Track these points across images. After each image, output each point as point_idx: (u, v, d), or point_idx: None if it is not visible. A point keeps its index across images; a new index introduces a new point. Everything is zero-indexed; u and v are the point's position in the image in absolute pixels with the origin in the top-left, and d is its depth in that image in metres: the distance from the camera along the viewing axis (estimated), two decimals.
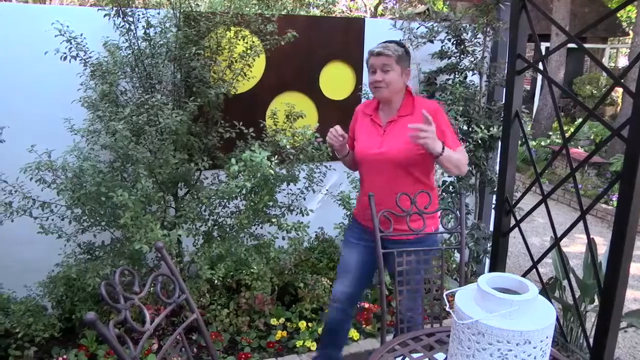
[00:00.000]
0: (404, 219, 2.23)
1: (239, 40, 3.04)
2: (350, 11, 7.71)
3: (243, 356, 2.93)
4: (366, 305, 3.36)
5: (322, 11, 5.56)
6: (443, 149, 2.08)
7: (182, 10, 2.91)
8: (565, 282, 3.27)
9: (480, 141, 3.61)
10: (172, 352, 2.70)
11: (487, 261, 3.90)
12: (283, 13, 3.21)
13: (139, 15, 2.86)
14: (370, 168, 2.35)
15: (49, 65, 2.78)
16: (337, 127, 2.34)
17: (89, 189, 2.61)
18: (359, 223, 2.48)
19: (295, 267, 3.47)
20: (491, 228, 3.78)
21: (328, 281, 3.43)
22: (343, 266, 2.50)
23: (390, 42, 2.27)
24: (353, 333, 3.16)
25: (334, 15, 5.82)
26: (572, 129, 9.36)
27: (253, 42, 3.07)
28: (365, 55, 2.33)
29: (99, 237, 2.98)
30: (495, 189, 3.69)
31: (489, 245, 3.78)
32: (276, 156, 2.78)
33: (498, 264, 2.79)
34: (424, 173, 2.32)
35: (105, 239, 3.00)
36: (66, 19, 2.75)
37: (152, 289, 1.63)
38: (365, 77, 3.72)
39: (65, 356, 2.82)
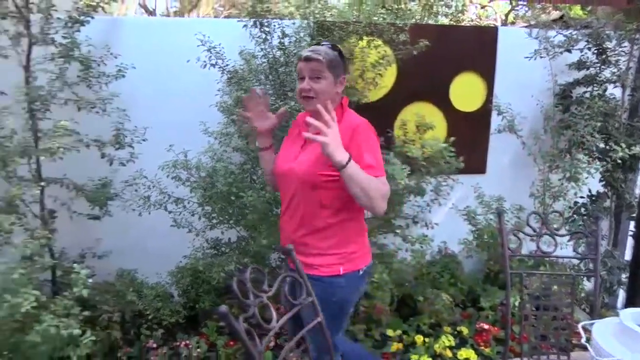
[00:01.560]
0: (309, 255, 1.92)
1: (372, 49, 3.09)
2: (480, 19, 7.43)
3: None
4: (485, 327, 3.24)
5: (450, 20, 5.44)
6: (348, 161, 1.69)
7: (315, 20, 3.01)
8: None
9: (619, 161, 3.31)
10: (293, 352, 2.79)
11: (622, 293, 3.58)
12: (408, 21, 3.19)
13: (274, 25, 3.01)
14: (281, 184, 2.01)
15: (189, 74, 3.02)
16: (258, 89, 1.97)
17: (220, 188, 2.79)
18: None
19: (416, 279, 3.43)
20: (627, 257, 3.47)
21: (448, 297, 3.36)
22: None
23: (323, 44, 1.93)
24: (469, 353, 3.05)
25: (463, 23, 5.66)
26: None
27: (385, 51, 3.10)
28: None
29: (226, 235, 3.16)
30: (634, 215, 3.39)
31: (623, 276, 3.46)
32: (407, 167, 2.78)
33: (637, 298, 2.56)
34: (337, 199, 1.88)
35: (232, 237, 3.17)
36: (206, 31, 2.97)
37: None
38: (497, 89, 3.63)
39: (188, 341, 3.02)
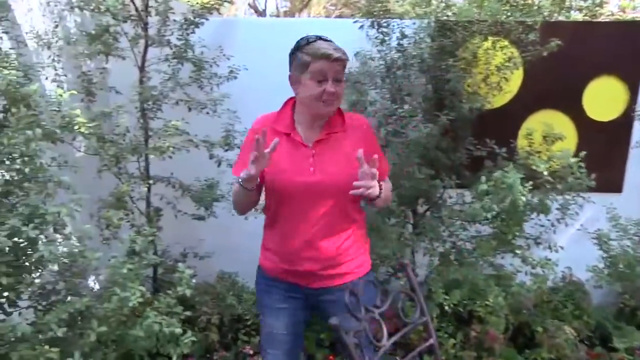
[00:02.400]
0: (339, 265, 1.96)
1: (497, 50, 3.03)
2: (624, 12, 6.93)
3: None
4: None
5: (585, 15, 5.14)
6: (380, 189, 1.80)
7: (437, 20, 3.01)
8: None
9: None
10: None
11: None
12: (538, 19, 3.08)
13: (393, 26, 3.05)
14: (298, 202, 1.92)
15: None
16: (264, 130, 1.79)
17: None
18: (280, 281, 2.03)
19: (535, 307, 3.29)
20: None
21: (572, 331, 3.18)
22: (270, 340, 2.08)
23: (331, 42, 1.87)
24: None
25: (600, 19, 5.33)
26: None
27: (512, 53, 3.03)
28: (302, 54, 1.86)
29: None
30: None
31: None
32: (529, 182, 2.70)
33: None
34: (357, 203, 2.00)
35: None
36: (318, 31, 3.05)
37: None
38: None
39: None
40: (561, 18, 3.96)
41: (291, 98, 2.00)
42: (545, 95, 3.41)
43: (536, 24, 3.01)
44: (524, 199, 2.57)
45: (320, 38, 1.87)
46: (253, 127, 1.98)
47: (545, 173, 2.74)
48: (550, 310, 3.36)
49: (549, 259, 2.86)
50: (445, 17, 3.09)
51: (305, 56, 1.83)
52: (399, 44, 3.03)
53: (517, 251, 2.90)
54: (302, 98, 1.90)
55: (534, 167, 2.78)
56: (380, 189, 1.81)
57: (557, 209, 2.97)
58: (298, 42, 1.89)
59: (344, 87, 1.91)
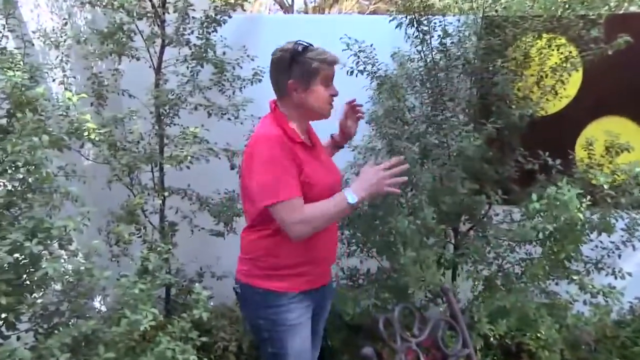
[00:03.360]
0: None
1: (552, 49, 2.98)
2: None
3: None
4: None
5: None
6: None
7: (484, 16, 2.98)
8: None
9: None
10: None
11: None
12: (603, 11, 3.01)
13: (434, 23, 3.02)
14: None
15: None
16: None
17: (364, 210, 2.85)
18: (304, 293, 2.14)
19: (596, 342, 3.20)
20: None
21: None
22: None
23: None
24: None
25: None
26: None
27: (570, 52, 2.97)
28: (311, 61, 2.02)
29: (365, 264, 3.21)
30: None
31: None
32: (588, 197, 2.63)
33: None
34: None
35: (372, 267, 3.21)
36: (351, 29, 3.07)
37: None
38: None
39: None
40: (632, 9, 3.87)
41: (274, 110, 2.11)
42: (609, 99, 3.33)
43: (600, 17, 2.93)
44: (581, 216, 2.50)
45: (311, 45, 2.06)
46: (277, 142, 1.97)
47: (607, 187, 2.66)
48: (616, 347, 3.24)
49: (613, 287, 2.78)
50: (493, 13, 3.04)
51: (314, 63, 2.01)
52: (440, 44, 3.01)
53: (574, 277, 2.81)
54: (309, 104, 2.05)
55: (594, 182, 2.70)
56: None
57: (623, 229, 2.88)
58: (294, 48, 2.02)
59: None
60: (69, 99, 2.28)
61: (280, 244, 2.07)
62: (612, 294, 2.74)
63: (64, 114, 2.34)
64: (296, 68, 2.01)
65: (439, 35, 3.01)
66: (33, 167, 1.91)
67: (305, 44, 2.03)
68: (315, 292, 2.18)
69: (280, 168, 1.93)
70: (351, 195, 1.93)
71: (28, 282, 1.92)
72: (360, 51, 3.02)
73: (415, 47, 3.07)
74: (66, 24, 2.98)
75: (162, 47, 3.04)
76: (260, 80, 3.11)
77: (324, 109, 2.08)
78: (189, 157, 2.81)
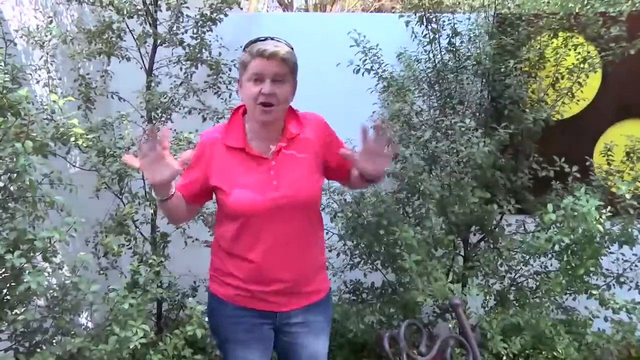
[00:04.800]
0: (313, 280, 2.08)
1: (569, 49, 2.98)
2: None
3: None
4: None
5: None
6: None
7: (496, 13, 2.98)
8: None
9: None
10: None
11: None
12: (626, 8, 2.99)
13: (443, 21, 3.03)
14: (266, 221, 1.96)
15: (335, 79, 3.16)
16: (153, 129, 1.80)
17: (368, 219, 2.84)
18: (246, 309, 2.05)
19: None
20: None
21: None
22: None
23: (278, 40, 1.94)
24: None
25: None
26: None
27: (588, 52, 2.97)
28: (244, 54, 1.95)
29: (369, 278, 3.20)
30: None
31: None
32: (608, 207, 2.62)
33: None
34: (319, 212, 2.14)
35: (376, 281, 3.21)
36: (354, 28, 3.08)
37: None
38: None
39: None
40: None
41: (241, 106, 2.05)
42: (630, 102, 3.34)
43: (622, 14, 2.93)
44: (601, 228, 2.49)
45: (272, 39, 1.93)
46: (202, 142, 2.02)
47: (628, 196, 2.66)
48: None
49: (638, 302, 2.76)
50: (505, 10, 3.05)
51: (245, 55, 1.93)
52: (450, 43, 3.01)
53: (594, 291, 2.81)
54: (245, 103, 1.97)
55: (614, 190, 2.70)
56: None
57: None
58: (247, 43, 1.97)
59: (289, 90, 1.95)
60: (55, 102, 2.28)
61: (225, 245, 2.07)
62: (637, 310, 2.72)
63: (49, 118, 2.34)
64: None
65: (448, 35, 3.01)
66: (15, 174, 1.91)
67: (262, 38, 1.94)
68: (265, 313, 2.07)
69: (190, 164, 2.01)
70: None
71: (9, 297, 1.92)
72: (370, 49, 3.02)
73: (423, 47, 3.07)
74: (51, 22, 2.97)
75: (154, 47, 3.04)
76: None
77: (252, 110, 1.92)
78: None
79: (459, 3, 3.40)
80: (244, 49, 1.95)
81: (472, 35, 3.05)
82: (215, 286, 2.12)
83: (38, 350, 1.97)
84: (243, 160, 1.97)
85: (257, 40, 1.93)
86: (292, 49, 1.97)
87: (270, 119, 1.93)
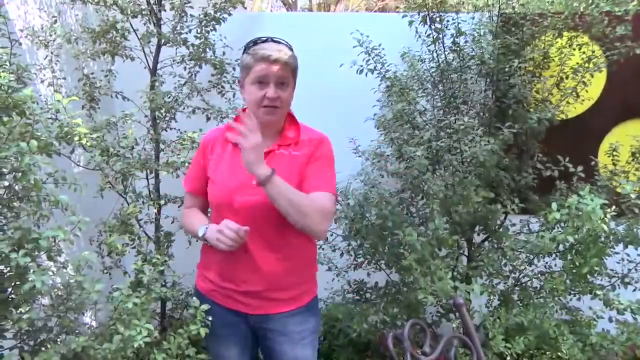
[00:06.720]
0: (287, 289, 2.10)
1: (574, 49, 2.98)
2: None
3: None
4: None
5: None
6: (272, 174, 1.83)
7: (500, 13, 2.98)
8: None
9: None
10: None
11: None
12: (632, 7, 2.98)
13: (447, 21, 3.02)
14: (240, 220, 1.97)
15: (338, 80, 3.17)
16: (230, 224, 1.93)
17: (372, 221, 2.85)
18: (222, 306, 2.16)
19: None
20: None
21: None
22: None
23: (280, 42, 2.01)
24: None
25: None
26: None
27: (593, 52, 2.97)
28: (246, 56, 2.01)
29: (373, 278, 3.22)
30: None
31: None
32: (613, 207, 2.62)
33: None
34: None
35: (380, 281, 3.22)
36: (358, 28, 3.08)
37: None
38: None
39: None
40: None
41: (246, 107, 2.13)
42: (635, 102, 3.35)
43: (627, 14, 2.93)
44: (605, 227, 2.49)
45: (272, 40, 2.00)
46: (203, 140, 2.17)
47: (633, 196, 2.66)
48: None
49: None
50: (510, 10, 3.04)
51: (247, 58, 1.98)
52: (453, 43, 3.01)
53: (598, 291, 2.80)
54: (247, 103, 2.04)
55: (619, 190, 2.70)
56: (273, 175, 1.84)
57: None
58: (247, 43, 2.04)
59: (290, 92, 2.03)
60: (59, 101, 2.28)
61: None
62: None
63: (54, 117, 2.34)
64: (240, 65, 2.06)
65: (451, 34, 3.01)
66: (20, 173, 1.91)
67: (262, 39, 2.01)
68: (249, 317, 2.14)
69: (192, 161, 2.20)
70: (203, 229, 2.03)
71: (14, 296, 1.92)
72: (373, 49, 3.02)
73: (427, 47, 3.08)
74: (56, 21, 2.98)
75: (158, 46, 3.05)
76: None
77: (255, 112, 1.98)
78: (186, 164, 2.81)
79: (463, 2, 3.41)
80: (245, 49, 2.01)
81: (476, 34, 3.05)
82: (199, 281, 2.25)
83: (43, 348, 1.98)
84: (236, 155, 2.03)
85: (257, 40, 1.99)
86: (292, 49, 2.02)
87: (274, 118, 2.01)
